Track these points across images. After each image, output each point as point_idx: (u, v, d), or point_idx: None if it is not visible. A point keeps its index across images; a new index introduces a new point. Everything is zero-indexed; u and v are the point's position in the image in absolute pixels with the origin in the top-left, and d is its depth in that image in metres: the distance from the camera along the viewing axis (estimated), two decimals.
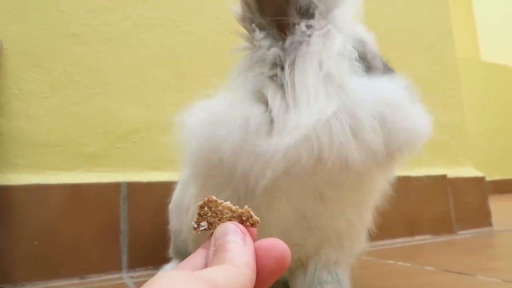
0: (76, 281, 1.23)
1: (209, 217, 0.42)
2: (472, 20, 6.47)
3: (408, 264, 1.23)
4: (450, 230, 1.85)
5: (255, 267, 0.36)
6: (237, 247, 0.37)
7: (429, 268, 1.17)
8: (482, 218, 1.98)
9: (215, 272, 0.33)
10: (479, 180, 2.05)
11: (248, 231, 0.40)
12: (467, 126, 2.19)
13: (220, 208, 0.42)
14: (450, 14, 2.23)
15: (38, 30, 1.32)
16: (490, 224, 1.97)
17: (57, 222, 1.23)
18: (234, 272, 0.34)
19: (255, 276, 0.35)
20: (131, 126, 1.41)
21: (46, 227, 1.21)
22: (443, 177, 1.92)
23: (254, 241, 0.40)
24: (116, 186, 1.32)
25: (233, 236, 0.38)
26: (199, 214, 0.42)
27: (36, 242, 1.19)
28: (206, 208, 0.42)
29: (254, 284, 0.34)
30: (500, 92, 5.96)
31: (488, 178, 2.25)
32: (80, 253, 1.25)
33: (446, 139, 2.06)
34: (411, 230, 1.76)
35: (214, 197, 0.42)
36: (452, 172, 1.97)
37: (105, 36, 1.41)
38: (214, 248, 0.38)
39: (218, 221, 0.42)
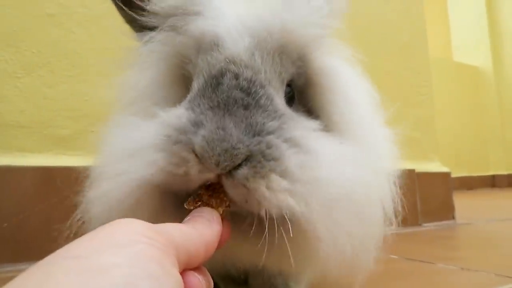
0: None
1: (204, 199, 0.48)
2: (446, 22, 6.64)
3: None
4: (415, 222, 1.93)
5: (212, 239, 0.42)
6: (203, 220, 0.43)
7: (394, 256, 1.22)
8: (446, 211, 2.07)
9: (173, 227, 0.38)
10: (445, 176, 2.14)
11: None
12: (437, 124, 2.27)
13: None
14: (424, 15, 2.29)
15: (11, 8, 1.28)
16: (453, 218, 2.06)
17: (27, 205, 1.21)
18: (192, 233, 0.40)
19: (211, 246, 0.42)
20: (106, 110, 1.39)
21: (15, 209, 1.19)
22: (412, 171, 1.99)
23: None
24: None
25: (205, 214, 0.45)
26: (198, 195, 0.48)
27: (5, 225, 1.17)
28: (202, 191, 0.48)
29: (207, 251, 0.41)
30: (470, 92, 6.18)
31: (454, 175, 2.34)
32: (50, 237, 1.23)
33: (416, 135, 2.13)
34: None
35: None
36: (420, 167, 2.05)
37: (81, 18, 1.38)
38: (187, 219, 0.44)
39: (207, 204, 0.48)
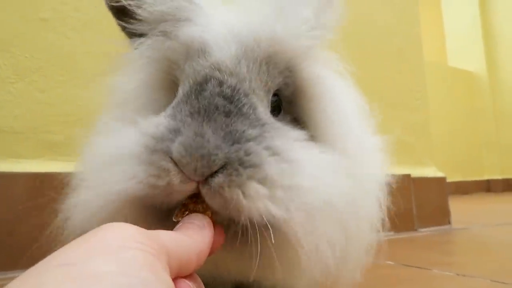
0: None
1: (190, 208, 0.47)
2: (441, 26, 6.69)
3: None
4: (411, 227, 1.93)
5: (204, 246, 0.42)
6: (194, 226, 0.43)
7: (390, 262, 1.21)
8: (442, 216, 2.06)
9: (164, 234, 0.38)
10: (440, 181, 2.14)
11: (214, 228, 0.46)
12: (432, 128, 2.28)
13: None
14: (419, 20, 2.30)
15: (4, 13, 1.27)
16: (449, 222, 2.06)
17: (19, 212, 1.19)
18: (184, 240, 0.39)
19: (203, 252, 0.41)
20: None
21: (7, 216, 1.17)
22: (407, 176, 1.99)
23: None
24: None
25: (196, 220, 0.44)
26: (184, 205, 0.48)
27: None
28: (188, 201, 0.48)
29: (200, 258, 0.40)
30: (464, 96, 6.21)
31: (449, 179, 2.35)
32: (43, 244, 1.21)
33: (411, 140, 2.13)
34: None
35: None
36: (416, 172, 2.05)
37: (75, 23, 1.37)
38: (178, 226, 0.44)
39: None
